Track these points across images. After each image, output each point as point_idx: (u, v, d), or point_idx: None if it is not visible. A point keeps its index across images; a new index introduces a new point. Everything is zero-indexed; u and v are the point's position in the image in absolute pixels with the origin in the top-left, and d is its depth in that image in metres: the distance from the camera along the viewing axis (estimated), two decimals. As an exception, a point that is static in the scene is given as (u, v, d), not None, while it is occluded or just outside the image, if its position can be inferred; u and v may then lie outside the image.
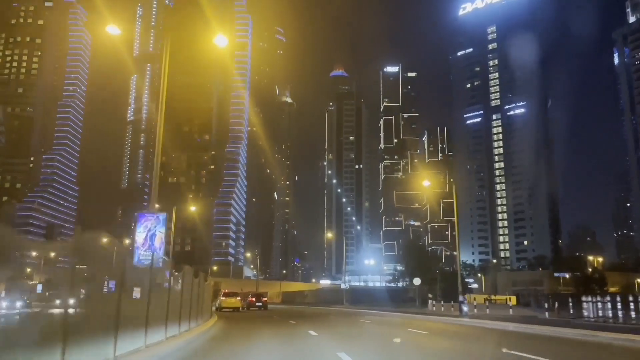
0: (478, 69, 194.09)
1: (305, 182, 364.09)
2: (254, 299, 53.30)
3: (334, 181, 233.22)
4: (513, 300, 60.29)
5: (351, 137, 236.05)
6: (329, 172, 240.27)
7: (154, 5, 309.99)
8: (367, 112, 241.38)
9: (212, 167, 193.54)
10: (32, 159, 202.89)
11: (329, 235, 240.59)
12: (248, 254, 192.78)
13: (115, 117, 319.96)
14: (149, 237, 20.71)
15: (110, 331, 9.42)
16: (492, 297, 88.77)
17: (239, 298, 51.80)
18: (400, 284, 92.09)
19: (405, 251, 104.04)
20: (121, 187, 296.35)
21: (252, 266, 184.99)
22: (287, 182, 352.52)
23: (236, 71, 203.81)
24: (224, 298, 49.10)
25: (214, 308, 41.75)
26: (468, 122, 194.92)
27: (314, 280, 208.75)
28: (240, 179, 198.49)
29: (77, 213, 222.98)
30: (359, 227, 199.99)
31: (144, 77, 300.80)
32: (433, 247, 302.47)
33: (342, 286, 70.02)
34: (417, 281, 52.95)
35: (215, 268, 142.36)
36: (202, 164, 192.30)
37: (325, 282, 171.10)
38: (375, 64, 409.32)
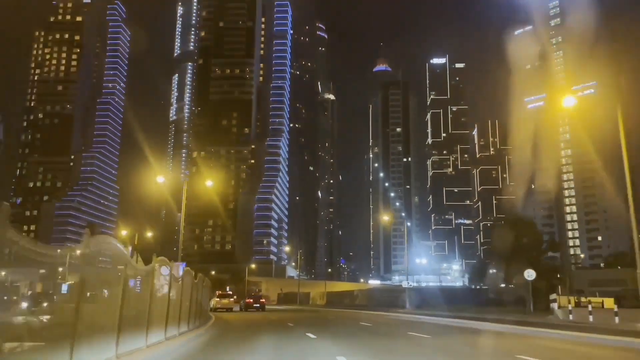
0: (539, 48, 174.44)
1: (349, 181, 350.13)
2: (251, 301, 53.25)
3: (381, 175, 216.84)
4: (608, 303, 43.70)
5: (398, 129, 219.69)
6: (376, 164, 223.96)
7: (195, 5, 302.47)
8: (414, 101, 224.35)
9: (252, 161, 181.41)
10: (72, 157, 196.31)
11: (376, 230, 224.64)
12: (287, 248, 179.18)
13: (157, 116, 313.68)
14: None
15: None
16: (583, 299, 69.47)
17: (232, 299, 53.65)
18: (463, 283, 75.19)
19: (497, 236, 75.67)
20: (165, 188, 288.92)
21: (293, 264, 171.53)
22: (331, 181, 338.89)
23: (275, 61, 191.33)
24: (217, 299, 49.51)
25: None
26: (530, 107, 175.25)
27: (362, 280, 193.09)
28: (281, 174, 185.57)
29: (118, 212, 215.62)
30: (408, 224, 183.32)
31: (185, 75, 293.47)
32: (485, 247, 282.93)
33: (404, 284, 54.24)
34: (530, 274, 35.70)
35: (253, 266, 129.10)
36: (242, 158, 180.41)
37: (374, 282, 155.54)
38: (420, 57, 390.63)
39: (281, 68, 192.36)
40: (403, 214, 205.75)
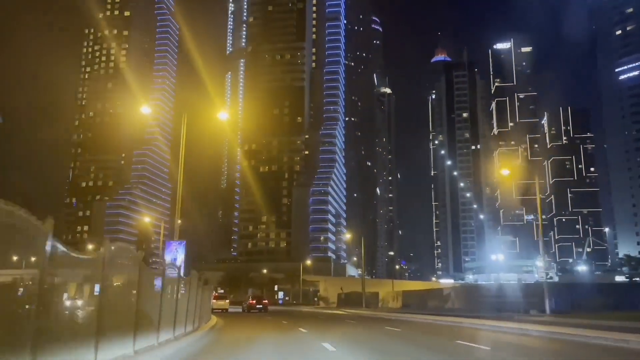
0: (631, 9, 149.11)
1: (408, 179, 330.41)
2: (254, 302, 52.17)
3: (448, 163, 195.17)
4: None
5: (464, 114, 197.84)
6: (442, 151, 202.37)
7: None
8: (482, 83, 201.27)
9: (307, 152, 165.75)
10: (122, 155, 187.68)
11: (442, 227, 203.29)
12: (348, 236, 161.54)
13: (210, 115, 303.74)
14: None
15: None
16: None
17: (227, 301, 55.81)
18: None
19: None
20: (221, 187, 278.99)
21: (349, 260, 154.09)
22: (390, 178, 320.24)
23: (328, 44, 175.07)
24: (214, 301, 45.37)
25: None
26: (621, 77, 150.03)
27: (433, 278, 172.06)
28: (338, 165, 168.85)
29: (171, 211, 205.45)
30: (481, 216, 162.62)
31: (238, 73, 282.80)
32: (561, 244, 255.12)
33: (540, 277, 35.09)
34: None
35: (309, 263, 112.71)
36: (295, 149, 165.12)
37: (446, 281, 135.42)
38: (482, 43, 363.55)
39: (335, 52, 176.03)
40: (475, 205, 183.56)
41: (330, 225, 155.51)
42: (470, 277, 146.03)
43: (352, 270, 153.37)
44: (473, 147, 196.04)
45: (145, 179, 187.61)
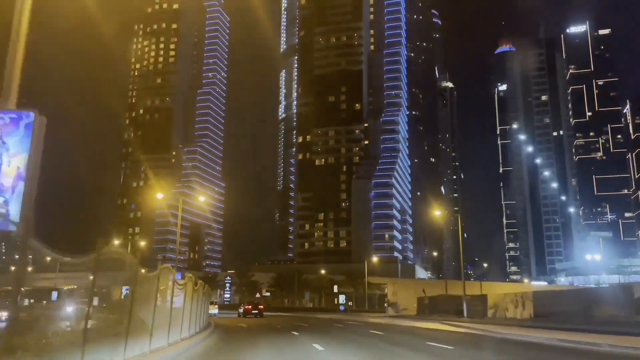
0: None
1: (473, 179, 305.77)
2: (250, 307, 52.10)
3: (529, 150, 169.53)
4: None
5: (543, 97, 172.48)
6: (520, 136, 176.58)
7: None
8: (562, 62, 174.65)
9: (366, 142, 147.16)
10: (173, 153, 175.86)
11: (520, 227, 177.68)
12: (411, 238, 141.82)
13: (263, 112, 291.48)
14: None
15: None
16: None
17: (215, 305, 58.82)
18: None
19: None
20: (277, 190, 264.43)
21: (417, 261, 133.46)
22: (454, 177, 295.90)
23: (388, 24, 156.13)
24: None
25: None
26: None
27: (525, 278, 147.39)
28: (401, 156, 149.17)
29: (224, 212, 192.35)
30: (570, 210, 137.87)
31: (292, 70, 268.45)
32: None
33: None
34: None
35: (375, 261, 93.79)
36: (354, 139, 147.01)
37: (539, 284, 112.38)
38: (553, 28, 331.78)
39: (395, 32, 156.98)
40: (563, 197, 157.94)
41: (395, 222, 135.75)
42: (562, 280, 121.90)
43: (421, 273, 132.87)
44: (555, 134, 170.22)
45: (196, 177, 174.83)
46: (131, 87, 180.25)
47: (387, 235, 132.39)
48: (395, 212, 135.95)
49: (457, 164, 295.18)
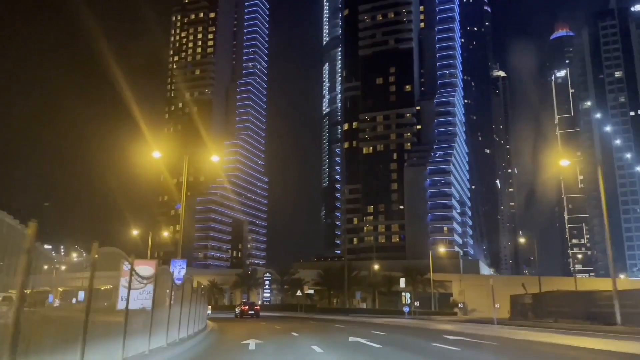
0: None
1: (529, 171, 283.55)
2: (246, 308, 52.17)
3: (606, 129, 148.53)
4: None
5: (617, 73, 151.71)
6: (598, 115, 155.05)
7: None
8: (638, 33, 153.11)
9: (419, 127, 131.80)
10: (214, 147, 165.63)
11: (591, 222, 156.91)
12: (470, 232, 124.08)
13: (306, 107, 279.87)
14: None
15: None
16: None
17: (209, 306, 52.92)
18: None
19: None
20: (322, 186, 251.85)
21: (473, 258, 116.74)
22: (509, 170, 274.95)
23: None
24: None
25: None
26: None
27: (622, 275, 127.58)
28: (458, 140, 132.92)
29: (268, 208, 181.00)
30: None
31: (336, 62, 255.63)
32: None
33: None
34: None
35: (436, 255, 78.98)
36: (404, 123, 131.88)
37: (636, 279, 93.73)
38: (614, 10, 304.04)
39: (447, 7, 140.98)
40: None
41: (455, 213, 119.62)
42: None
43: (484, 269, 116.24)
44: (632, 114, 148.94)
45: (237, 171, 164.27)
46: (169, 80, 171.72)
47: (445, 228, 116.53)
48: (454, 202, 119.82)
49: (510, 157, 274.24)
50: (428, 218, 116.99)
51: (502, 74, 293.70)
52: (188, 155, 32.97)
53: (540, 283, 48.20)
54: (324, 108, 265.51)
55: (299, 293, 63.83)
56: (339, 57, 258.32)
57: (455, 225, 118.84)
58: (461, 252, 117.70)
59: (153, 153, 33.59)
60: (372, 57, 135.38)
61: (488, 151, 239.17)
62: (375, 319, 43.17)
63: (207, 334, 22.56)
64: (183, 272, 26.18)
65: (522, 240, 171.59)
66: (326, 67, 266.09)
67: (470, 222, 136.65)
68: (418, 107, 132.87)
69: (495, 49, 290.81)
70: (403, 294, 47.43)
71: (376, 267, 77.54)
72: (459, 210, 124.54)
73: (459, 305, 69.12)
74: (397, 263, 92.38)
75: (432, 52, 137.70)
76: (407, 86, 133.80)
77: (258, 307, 53.64)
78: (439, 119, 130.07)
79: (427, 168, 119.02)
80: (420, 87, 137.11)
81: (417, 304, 68.37)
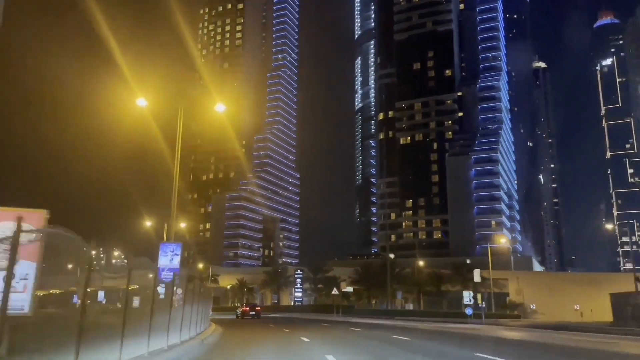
0: None
1: (571, 169, 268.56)
2: (247, 309, 51.94)
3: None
4: None
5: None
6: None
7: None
8: None
9: (460, 114, 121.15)
10: (243, 142, 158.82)
11: None
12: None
13: (338, 100, 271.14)
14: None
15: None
16: None
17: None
18: None
19: None
20: (355, 184, 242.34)
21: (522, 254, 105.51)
22: (552, 165, 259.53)
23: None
24: None
25: None
26: None
27: None
28: (505, 127, 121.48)
29: (299, 205, 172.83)
30: None
31: (368, 55, 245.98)
32: None
33: None
34: None
35: (504, 245, 68.92)
36: (445, 110, 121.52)
37: None
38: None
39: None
40: None
41: (503, 206, 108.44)
42: None
43: (536, 266, 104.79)
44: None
45: (268, 167, 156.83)
46: (198, 74, 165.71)
47: (493, 222, 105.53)
48: (502, 193, 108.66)
49: (552, 151, 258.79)
50: (474, 211, 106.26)
51: (542, 64, 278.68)
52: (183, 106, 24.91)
53: (636, 281, 38.00)
54: (356, 103, 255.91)
55: (334, 292, 54.64)
56: (372, 51, 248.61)
57: (504, 219, 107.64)
58: (510, 248, 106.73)
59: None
60: (408, 41, 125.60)
61: (530, 144, 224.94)
62: (435, 323, 33.87)
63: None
64: (177, 259, 20.77)
65: (565, 237, 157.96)
66: (358, 61, 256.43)
67: (518, 216, 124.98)
68: (459, 93, 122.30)
69: (535, 39, 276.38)
70: (465, 293, 38.49)
71: (421, 263, 67.90)
72: (507, 203, 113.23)
73: (533, 306, 58.92)
74: (441, 260, 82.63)
75: (473, 34, 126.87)
76: (447, 71, 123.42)
77: (259, 309, 53.98)
78: (483, 105, 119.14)
79: (472, 157, 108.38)
80: (460, 72, 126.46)
81: (481, 304, 58.56)
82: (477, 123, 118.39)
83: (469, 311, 37.51)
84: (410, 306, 59.83)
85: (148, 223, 53.43)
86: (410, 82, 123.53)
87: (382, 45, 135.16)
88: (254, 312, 50.61)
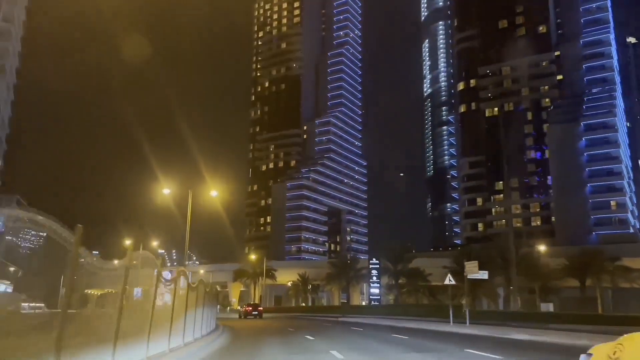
0: None
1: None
2: (250, 309, 52.15)
3: None
4: None
5: None
6: None
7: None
8: None
9: (559, 77, 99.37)
10: (304, 128, 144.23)
11: None
12: None
13: (405, 87, 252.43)
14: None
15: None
16: None
17: None
18: None
19: None
20: (426, 175, 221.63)
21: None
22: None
23: None
24: None
25: None
26: None
27: None
28: (617, 88, 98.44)
29: (367, 195, 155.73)
30: None
31: (437, 37, 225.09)
32: None
33: None
34: None
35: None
36: (541, 73, 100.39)
37: None
38: None
39: None
40: None
41: (625, 183, 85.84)
42: None
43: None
44: None
45: (331, 153, 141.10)
46: (255, 58, 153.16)
47: (613, 202, 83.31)
48: (623, 167, 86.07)
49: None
50: (587, 190, 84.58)
51: (633, 40, 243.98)
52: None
53: None
54: (425, 89, 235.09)
55: (448, 280, 32.55)
56: (440, 32, 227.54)
57: (627, 199, 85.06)
58: (631, 230, 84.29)
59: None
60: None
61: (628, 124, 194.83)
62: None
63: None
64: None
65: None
66: (425, 43, 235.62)
67: (634, 189, 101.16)
68: (557, 53, 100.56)
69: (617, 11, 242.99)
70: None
71: (542, 248, 48.83)
72: (626, 175, 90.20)
73: None
74: (550, 250, 62.61)
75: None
76: (541, 27, 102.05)
77: (261, 309, 54.68)
78: (588, 64, 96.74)
79: (581, 124, 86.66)
80: (557, 29, 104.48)
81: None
82: (582, 86, 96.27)
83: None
84: (549, 307, 41.32)
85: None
86: (495, 43, 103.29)
87: (459, 5, 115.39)
88: (256, 312, 51.26)
